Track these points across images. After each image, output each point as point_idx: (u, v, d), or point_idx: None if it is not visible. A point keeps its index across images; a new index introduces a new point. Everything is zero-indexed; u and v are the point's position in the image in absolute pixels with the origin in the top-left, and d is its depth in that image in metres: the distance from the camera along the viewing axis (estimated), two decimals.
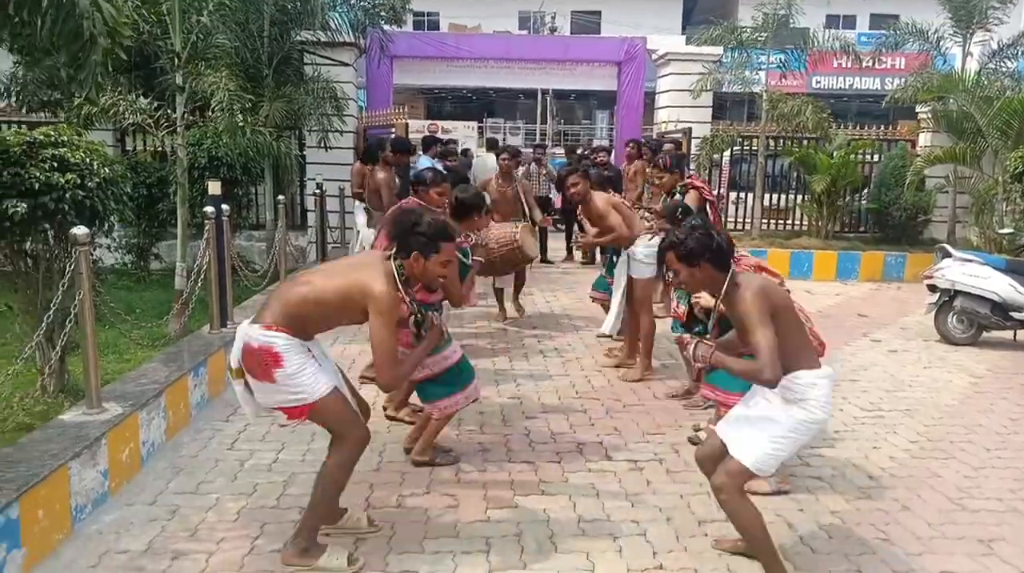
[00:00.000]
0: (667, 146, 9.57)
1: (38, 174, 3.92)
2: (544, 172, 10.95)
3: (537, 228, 8.27)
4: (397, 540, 3.26)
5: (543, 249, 10.21)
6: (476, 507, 3.58)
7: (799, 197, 11.74)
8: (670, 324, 5.31)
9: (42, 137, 4.11)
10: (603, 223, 5.63)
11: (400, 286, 3.00)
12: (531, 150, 11.79)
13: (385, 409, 4.65)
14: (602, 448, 4.34)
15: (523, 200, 7.39)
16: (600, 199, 5.69)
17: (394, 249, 3.07)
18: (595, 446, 4.37)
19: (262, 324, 2.92)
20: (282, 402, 2.96)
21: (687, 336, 3.33)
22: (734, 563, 3.16)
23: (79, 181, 4.08)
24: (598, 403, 5.12)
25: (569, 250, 11.32)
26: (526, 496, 3.71)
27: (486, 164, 10.52)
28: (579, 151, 12.09)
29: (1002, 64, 12.01)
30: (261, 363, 2.89)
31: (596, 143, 20.32)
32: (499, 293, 7.61)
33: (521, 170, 9.94)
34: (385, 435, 4.44)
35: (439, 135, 11.72)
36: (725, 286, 2.79)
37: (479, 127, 20.14)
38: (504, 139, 22.96)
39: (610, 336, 6.24)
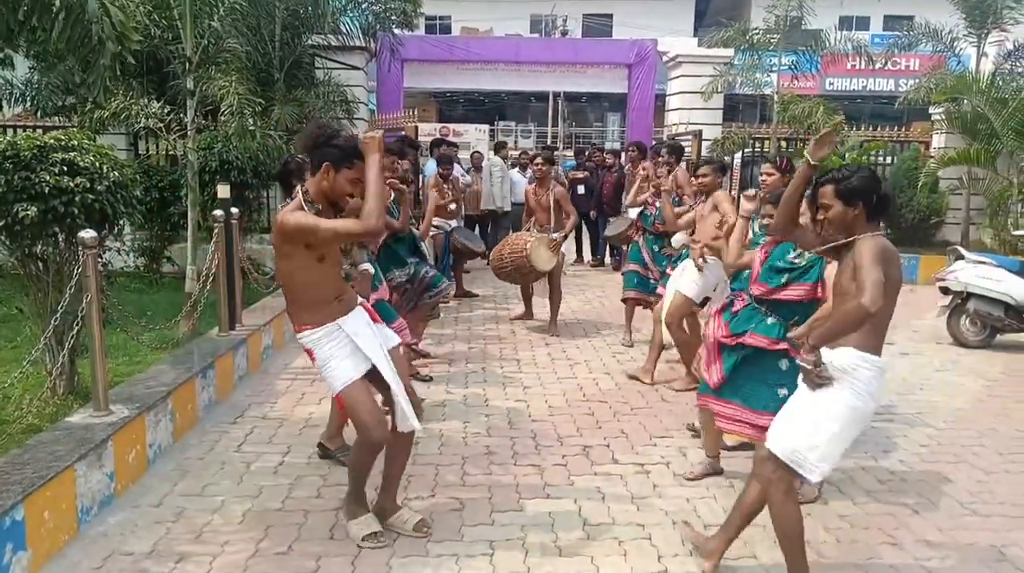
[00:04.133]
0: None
1: (48, 178, 3.96)
2: (554, 176, 10.87)
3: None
4: (400, 543, 3.25)
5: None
6: (481, 510, 3.57)
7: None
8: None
9: (52, 141, 4.15)
10: (714, 217, 5.02)
11: (305, 206, 2.96)
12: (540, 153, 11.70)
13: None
14: (609, 451, 4.32)
15: (560, 206, 7.16)
16: (727, 197, 5.24)
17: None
18: (601, 449, 4.35)
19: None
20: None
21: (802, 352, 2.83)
22: (739, 566, 3.14)
23: (89, 185, 4.12)
24: (605, 406, 5.10)
25: (579, 252, 11.30)
26: (531, 499, 3.69)
27: (491, 165, 10.53)
28: (586, 153, 12.10)
29: (1017, 64, 11.90)
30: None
31: (608, 146, 20.32)
32: (528, 302, 7.57)
33: (528, 173, 9.95)
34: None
35: (450, 138, 11.73)
36: (863, 237, 2.66)
37: (490, 130, 20.17)
38: (516, 142, 23.01)
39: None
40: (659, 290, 5.95)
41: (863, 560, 3.22)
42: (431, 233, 8.28)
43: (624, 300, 6.71)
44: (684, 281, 5.23)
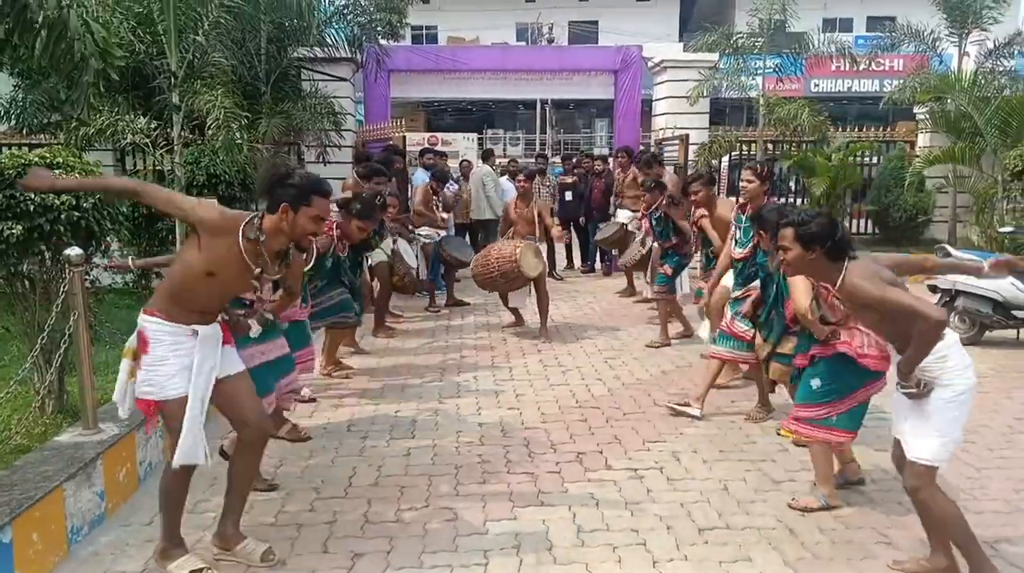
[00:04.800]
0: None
1: (33, 196, 3.94)
2: (547, 184, 10.80)
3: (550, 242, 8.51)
4: (395, 555, 3.24)
5: (551, 264, 10.15)
6: (475, 520, 3.56)
7: (799, 200, 11.73)
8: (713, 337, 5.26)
9: (37, 159, 4.13)
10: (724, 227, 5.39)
11: (247, 227, 2.82)
12: (532, 161, 11.72)
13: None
14: (602, 457, 4.32)
15: (543, 220, 7.63)
16: (728, 206, 5.54)
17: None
18: (595, 455, 4.34)
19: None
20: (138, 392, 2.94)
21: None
22: (734, 570, 3.14)
23: (74, 202, 4.09)
24: (598, 412, 5.09)
25: (569, 258, 11.31)
26: (525, 507, 3.68)
27: (482, 174, 10.54)
28: (574, 159, 12.13)
29: (999, 63, 12.03)
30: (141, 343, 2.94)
31: (596, 151, 20.39)
32: (515, 311, 7.58)
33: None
34: (383, 449, 4.43)
35: (438, 147, 11.74)
36: (840, 279, 2.88)
37: (479, 139, 20.20)
38: (504, 150, 23.05)
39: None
40: (657, 288, 6.89)
41: (858, 559, 3.23)
42: (421, 242, 8.30)
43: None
44: (727, 278, 5.47)
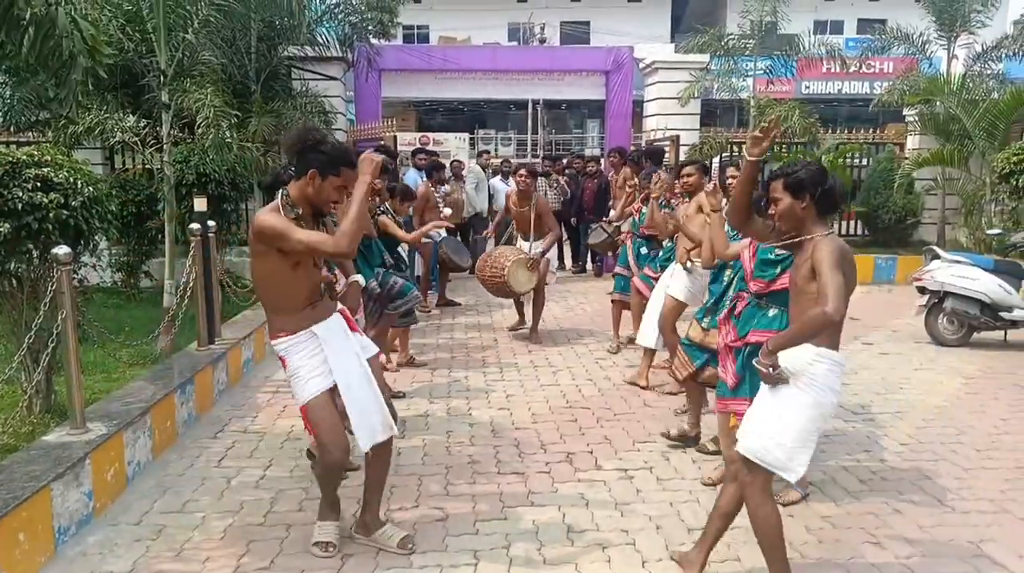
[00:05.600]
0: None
1: (21, 194, 3.91)
2: (554, 187, 10.53)
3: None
4: (384, 555, 3.23)
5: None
6: (465, 520, 3.56)
7: None
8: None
9: (25, 157, 4.10)
10: (698, 219, 5.03)
11: (284, 209, 2.93)
12: (537, 162, 11.40)
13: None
14: (592, 457, 4.32)
15: (542, 220, 7.09)
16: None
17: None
18: (585, 456, 4.35)
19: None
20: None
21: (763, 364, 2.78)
22: (723, 570, 3.15)
23: (63, 200, 4.06)
24: (588, 412, 5.10)
25: (561, 259, 11.31)
26: (515, 507, 3.69)
27: (477, 174, 10.55)
28: (565, 160, 12.15)
29: (987, 67, 12.11)
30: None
31: (587, 152, 20.44)
32: (520, 309, 7.57)
33: (511, 181, 9.94)
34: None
35: (430, 147, 11.72)
36: (814, 236, 2.74)
37: (470, 139, 20.19)
38: (496, 150, 23.02)
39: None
40: (637, 284, 6.15)
41: (845, 559, 3.24)
42: (424, 241, 8.29)
43: (613, 301, 6.79)
44: (675, 285, 5.23)
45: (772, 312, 3.59)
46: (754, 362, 2.81)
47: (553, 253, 7.76)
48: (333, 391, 3.07)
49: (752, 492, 2.80)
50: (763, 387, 2.82)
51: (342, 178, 2.96)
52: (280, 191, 3.01)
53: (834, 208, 2.87)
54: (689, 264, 5.08)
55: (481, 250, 10.73)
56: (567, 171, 11.09)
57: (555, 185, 10.47)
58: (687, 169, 5.42)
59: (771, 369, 2.69)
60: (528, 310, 7.42)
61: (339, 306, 3.28)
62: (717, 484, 3.87)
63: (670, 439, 4.47)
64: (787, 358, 2.69)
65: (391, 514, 3.60)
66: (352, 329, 3.26)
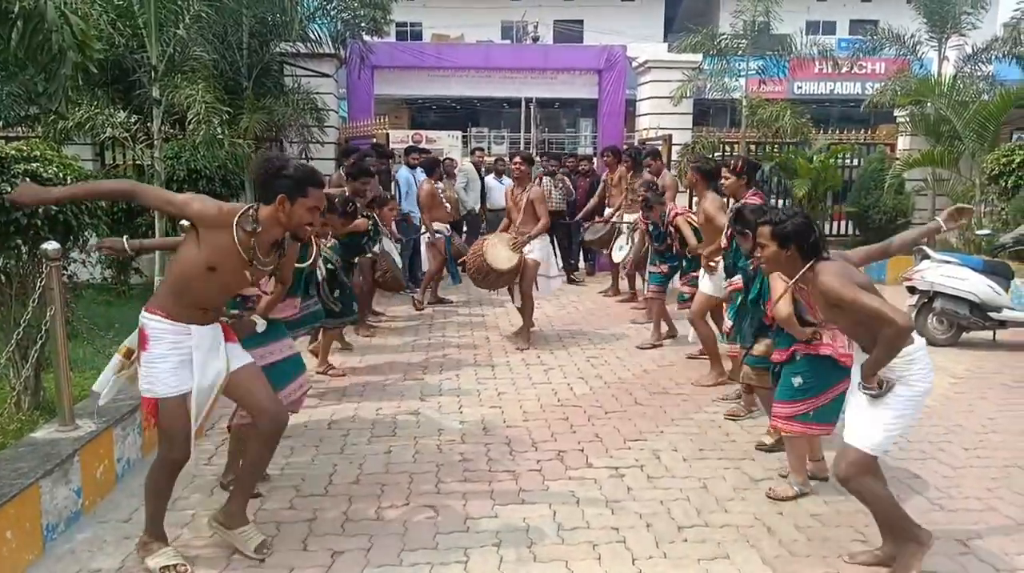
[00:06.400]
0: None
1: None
2: (559, 186, 10.19)
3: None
4: (375, 552, 3.23)
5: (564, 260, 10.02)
6: (455, 518, 3.56)
7: (780, 202, 11.81)
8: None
9: (14, 152, 4.08)
10: (711, 226, 5.45)
11: (242, 219, 2.86)
12: (540, 159, 11.14)
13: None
14: (583, 455, 4.33)
15: (534, 207, 6.72)
16: (715, 201, 5.54)
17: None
18: (576, 453, 4.35)
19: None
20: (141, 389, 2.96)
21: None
22: (713, 568, 3.16)
23: None
24: (580, 410, 5.11)
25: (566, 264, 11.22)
26: (506, 505, 3.69)
27: (467, 173, 10.55)
28: (560, 159, 12.11)
29: (977, 68, 12.17)
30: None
31: (580, 151, 20.43)
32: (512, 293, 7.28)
33: (504, 179, 9.93)
34: (364, 447, 4.42)
35: (423, 145, 11.70)
36: (802, 273, 3.01)
37: (463, 137, 20.16)
38: (489, 148, 23.00)
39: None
40: (652, 288, 6.90)
41: (834, 556, 3.26)
42: (431, 239, 8.29)
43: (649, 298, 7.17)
44: (703, 283, 5.67)
45: (783, 330, 3.83)
46: (861, 390, 3.01)
47: (554, 259, 7.47)
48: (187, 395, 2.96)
49: (858, 483, 3.00)
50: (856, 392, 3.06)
51: (311, 198, 2.94)
52: (250, 205, 2.94)
53: (816, 255, 3.01)
54: (712, 265, 5.50)
55: None
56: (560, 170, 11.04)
57: (560, 184, 10.15)
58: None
59: (878, 388, 2.94)
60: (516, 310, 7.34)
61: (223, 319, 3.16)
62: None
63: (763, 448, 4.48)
64: (883, 371, 2.93)
65: (382, 512, 3.60)
66: (228, 338, 3.13)
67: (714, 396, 5.39)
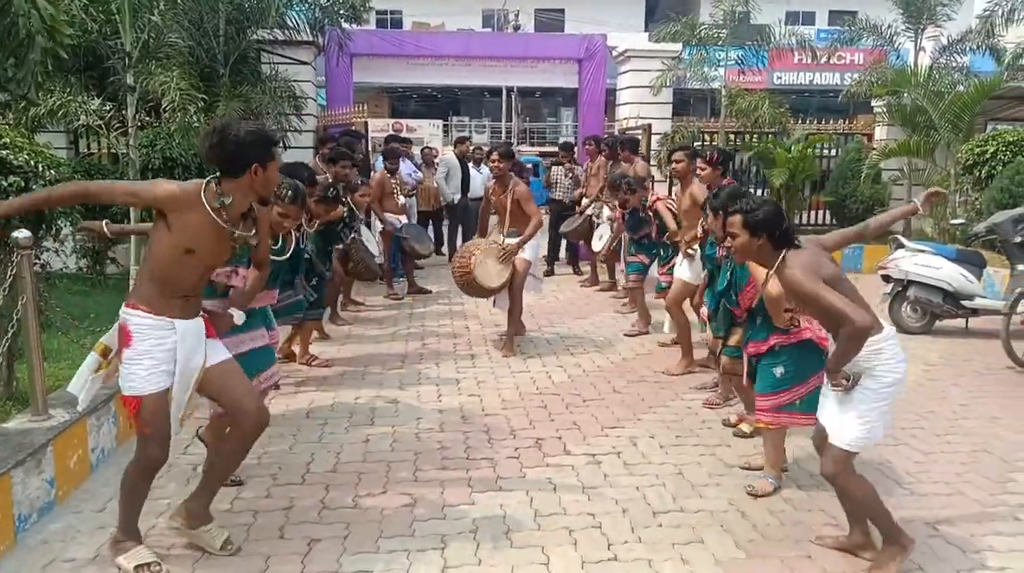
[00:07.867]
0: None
1: None
2: (571, 176, 9.82)
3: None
4: (352, 540, 3.24)
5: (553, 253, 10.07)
6: (432, 505, 3.57)
7: (759, 191, 11.89)
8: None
9: None
10: (695, 211, 5.36)
11: (207, 196, 2.77)
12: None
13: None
14: (561, 443, 4.36)
15: (520, 207, 6.17)
16: (703, 190, 5.29)
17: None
18: (554, 441, 4.38)
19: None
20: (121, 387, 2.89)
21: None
22: (687, 552, 3.20)
23: (23, 184, 3.99)
24: (558, 398, 5.13)
25: (551, 259, 11.18)
26: (483, 492, 3.71)
27: (449, 162, 10.53)
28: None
29: (952, 59, 12.30)
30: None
31: (561, 140, 20.42)
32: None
33: (485, 169, 9.86)
34: (342, 436, 4.42)
35: (403, 134, 11.64)
36: (777, 263, 2.98)
37: (444, 125, 20.09)
38: (470, 137, 22.96)
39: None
40: (632, 277, 7.00)
41: (806, 540, 3.31)
42: (380, 227, 8.25)
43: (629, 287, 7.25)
44: (681, 270, 5.71)
45: (759, 320, 3.80)
46: (828, 388, 3.04)
47: (540, 257, 7.12)
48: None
49: (845, 479, 3.01)
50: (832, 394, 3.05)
51: (276, 158, 2.91)
52: (209, 178, 2.84)
53: (787, 244, 3.00)
54: (691, 251, 5.54)
55: (452, 240, 10.71)
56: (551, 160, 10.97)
57: (570, 174, 9.85)
58: (676, 155, 5.85)
59: (844, 382, 2.94)
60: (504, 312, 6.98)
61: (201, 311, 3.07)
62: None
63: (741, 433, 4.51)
64: (850, 370, 2.93)
65: (359, 500, 3.60)
66: (209, 334, 3.08)
67: (692, 384, 5.43)
